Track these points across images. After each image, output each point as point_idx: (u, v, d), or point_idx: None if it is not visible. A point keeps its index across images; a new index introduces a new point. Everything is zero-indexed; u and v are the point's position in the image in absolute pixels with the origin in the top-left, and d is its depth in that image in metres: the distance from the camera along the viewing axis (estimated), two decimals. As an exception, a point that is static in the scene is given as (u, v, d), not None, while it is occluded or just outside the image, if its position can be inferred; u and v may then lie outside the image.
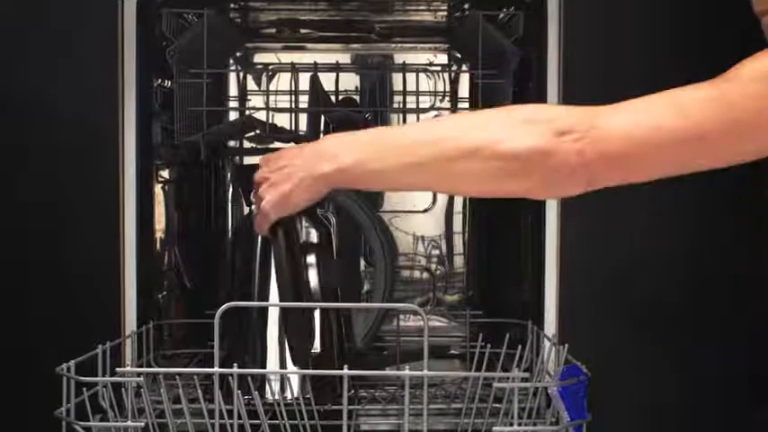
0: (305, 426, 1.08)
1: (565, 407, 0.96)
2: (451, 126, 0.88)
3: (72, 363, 0.92)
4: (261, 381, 1.10)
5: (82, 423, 0.90)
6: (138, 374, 0.99)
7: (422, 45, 1.64)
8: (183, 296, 1.47)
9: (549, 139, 0.78)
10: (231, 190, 1.66)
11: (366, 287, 1.58)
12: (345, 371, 0.90)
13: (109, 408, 0.96)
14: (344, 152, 0.88)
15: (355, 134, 0.91)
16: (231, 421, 0.93)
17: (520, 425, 0.97)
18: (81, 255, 1.20)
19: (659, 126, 0.78)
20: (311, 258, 1.11)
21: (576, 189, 0.83)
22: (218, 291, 1.53)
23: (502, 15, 1.35)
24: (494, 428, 0.91)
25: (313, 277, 1.07)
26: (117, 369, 0.98)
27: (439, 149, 0.83)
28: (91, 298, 1.19)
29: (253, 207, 1.00)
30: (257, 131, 1.46)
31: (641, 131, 0.78)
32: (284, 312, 1.05)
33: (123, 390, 1.00)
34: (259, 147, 1.57)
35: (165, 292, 1.39)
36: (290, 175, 0.92)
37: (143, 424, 0.91)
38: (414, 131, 0.89)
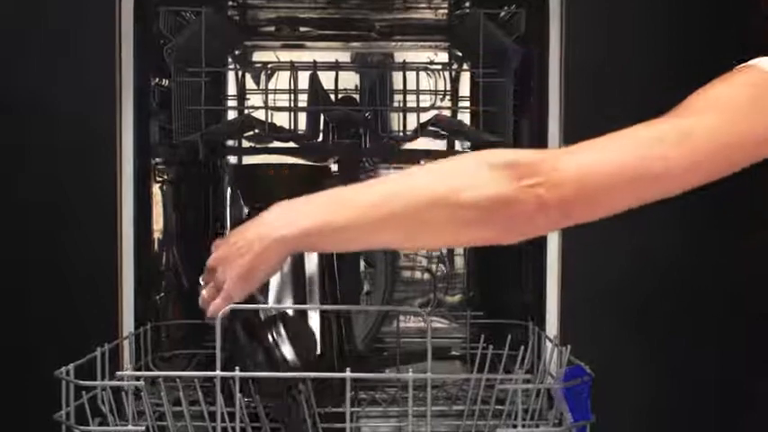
0: (306, 428, 1.08)
1: (568, 408, 0.96)
2: (414, 178, 0.86)
3: (71, 366, 0.91)
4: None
5: (82, 427, 0.90)
6: (138, 378, 0.99)
7: (422, 43, 1.64)
8: (181, 297, 1.46)
9: (508, 186, 0.79)
10: (230, 190, 1.66)
11: (366, 288, 1.57)
12: (348, 374, 0.90)
13: (108, 412, 0.95)
14: (304, 215, 0.85)
15: (312, 197, 0.88)
16: (233, 424, 0.93)
17: (523, 426, 0.97)
18: (78, 255, 1.20)
19: (617, 167, 0.79)
20: (282, 330, 1.07)
21: (539, 232, 0.84)
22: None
23: (503, 13, 1.35)
24: (497, 430, 0.91)
25: (287, 349, 1.04)
26: (117, 372, 0.97)
27: (404, 202, 0.81)
28: (89, 298, 1.19)
29: (202, 292, 0.93)
30: (256, 131, 1.45)
31: (600, 174, 0.79)
32: (258, 382, 1.02)
33: (123, 393, 1.00)
34: (258, 146, 1.57)
35: (162, 293, 1.39)
36: (247, 248, 0.88)
37: (143, 428, 0.90)
38: (374, 188, 0.86)
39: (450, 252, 1.68)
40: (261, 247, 0.87)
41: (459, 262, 1.68)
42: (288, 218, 0.87)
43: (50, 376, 0.91)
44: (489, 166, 0.80)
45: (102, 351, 0.99)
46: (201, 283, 0.95)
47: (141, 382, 0.94)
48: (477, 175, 0.80)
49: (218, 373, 0.90)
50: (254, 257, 0.88)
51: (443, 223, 0.81)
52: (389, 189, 0.84)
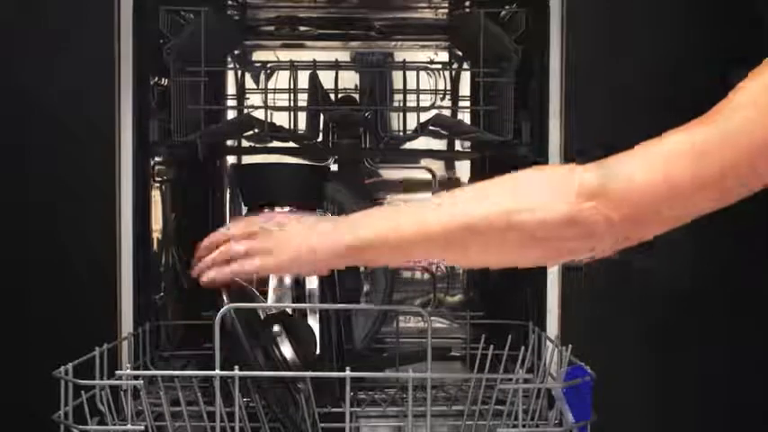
0: (306, 428, 1.08)
1: (569, 408, 0.96)
2: (475, 195, 0.85)
3: (70, 366, 0.91)
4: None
5: (80, 427, 0.90)
6: (136, 377, 0.99)
7: (422, 43, 1.64)
8: (180, 297, 1.46)
9: (572, 206, 0.78)
10: (229, 189, 1.66)
11: (366, 288, 1.57)
12: (348, 373, 0.90)
13: (107, 411, 0.95)
14: (363, 225, 0.87)
15: (370, 210, 0.90)
16: (232, 424, 0.93)
17: (523, 426, 0.97)
18: (78, 254, 1.19)
19: (676, 179, 0.77)
20: (281, 329, 1.07)
21: (604, 252, 0.82)
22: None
23: (504, 13, 1.35)
24: (497, 431, 0.91)
25: (287, 348, 1.04)
26: (116, 372, 0.97)
27: (464, 222, 0.81)
28: (88, 298, 1.19)
29: (213, 254, 0.95)
30: (256, 130, 1.45)
31: (661, 187, 0.77)
32: (261, 384, 1.03)
33: (122, 393, 1.00)
34: (258, 146, 1.57)
35: (162, 293, 1.39)
36: (289, 244, 0.90)
37: (142, 427, 0.90)
38: (435, 206, 0.86)
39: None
40: (306, 250, 0.88)
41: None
42: (351, 223, 0.88)
43: (49, 376, 0.91)
44: (549, 184, 0.80)
45: (101, 351, 0.99)
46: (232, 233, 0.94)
47: (140, 381, 0.94)
48: (538, 195, 0.80)
49: (217, 372, 0.90)
50: (294, 259, 0.90)
51: (503, 245, 0.81)
52: (447, 209, 0.84)
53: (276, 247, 0.91)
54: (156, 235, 1.37)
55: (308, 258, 0.90)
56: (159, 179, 1.38)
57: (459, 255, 0.86)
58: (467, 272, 1.67)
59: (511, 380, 0.99)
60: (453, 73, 1.63)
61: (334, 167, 1.60)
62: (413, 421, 0.92)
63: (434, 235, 0.83)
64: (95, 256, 1.19)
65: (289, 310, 1.10)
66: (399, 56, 1.63)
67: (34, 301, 1.20)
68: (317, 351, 1.14)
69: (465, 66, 1.63)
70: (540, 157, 1.24)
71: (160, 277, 1.39)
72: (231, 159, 1.67)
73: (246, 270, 0.94)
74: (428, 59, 1.63)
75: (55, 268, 1.20)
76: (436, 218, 0.84)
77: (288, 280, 1.20)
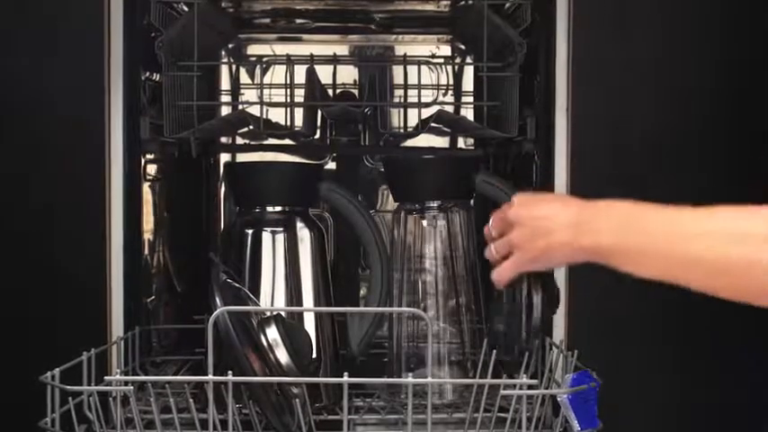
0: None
1: (575, 415, 0.96)
2: (728, 218, 0.81)
3: (57, 371, 0.92)
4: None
5: (67, 434, 0.90)
6: (126, 383, 0.99)
7: (424, 36, 1.64)
8: (172, 300, 1.47)
9: None
10: (223, 188, 1.66)
11: (362, 291, 1.58)
12: (345, 378, 0.90)
13: (95, 418, 0.95)
14: (606, 229, 0.87)
15: (613, 207, 0.88)
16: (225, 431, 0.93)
17: (527, 434, 0.97)
18: (67, 256, 1.20)
19: None
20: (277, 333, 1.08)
21: None
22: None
23: (508, 5, 1.35)
24: (500, 439, 0.91)
25: (282, 353, 1.06)
26: (105, 377, 0.97)
27: (709, 245, 0.79)
28: (77, 301, 1.19)
29: (491, 247, 1.01)
30: (251, 127, 1.46)
31: None
32: (256, 390, 1.03)
33: (110, 399, 1.00)
34: (253, 143, 1.57)
35: (153, 296, 1.39)
36: (546, 236, 0.92)
37: (131, 435, 0.91)
38: (674, 218, 0.83)
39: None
40: (563, 243, 0.90)
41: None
42: (596, 225, 0.88)
43: (36, 381, 0.91)
44: None
45: (89, 355, 1.00)
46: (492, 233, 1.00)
47: (130, 387, 0.94)
48: None
49: (210, 377, 0.90)
50: (547, 251, 0.92)
51: (753, 281, 0.78)
52: (692, 225, 0.82)
53: (525, 250, 0.95)
54: (148, 236, 1.37)
55: (546, 257, 0.93)
56: (151, 177, 1.39)
57: (705, 283, 0.84)
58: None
59: (514, 386, 0.99)
60: (456, 67, 1.64)
61: (332, 165, 1.61)
62: (413, 429, 0.92)
63: (676, 254, 0.82)
64: (85, 258, 1.19)
65: (284, 315, 1.11)
66: (400, 50, 1.63)
67: (22, 304, 1.20)
68: (314, 355, 1.15)
69: (468, 60, 1.63)
70: (545, 155, 1.24)
71: (151, 279, 1.40)
72: (225, 157, 1.67)
73: (510, 272, 0.97)
74: (430, 53, 1.63)
75: (43, 270, 1.20)
76: (681, 235, 0.81)
77: (281, 280, 1.21)
